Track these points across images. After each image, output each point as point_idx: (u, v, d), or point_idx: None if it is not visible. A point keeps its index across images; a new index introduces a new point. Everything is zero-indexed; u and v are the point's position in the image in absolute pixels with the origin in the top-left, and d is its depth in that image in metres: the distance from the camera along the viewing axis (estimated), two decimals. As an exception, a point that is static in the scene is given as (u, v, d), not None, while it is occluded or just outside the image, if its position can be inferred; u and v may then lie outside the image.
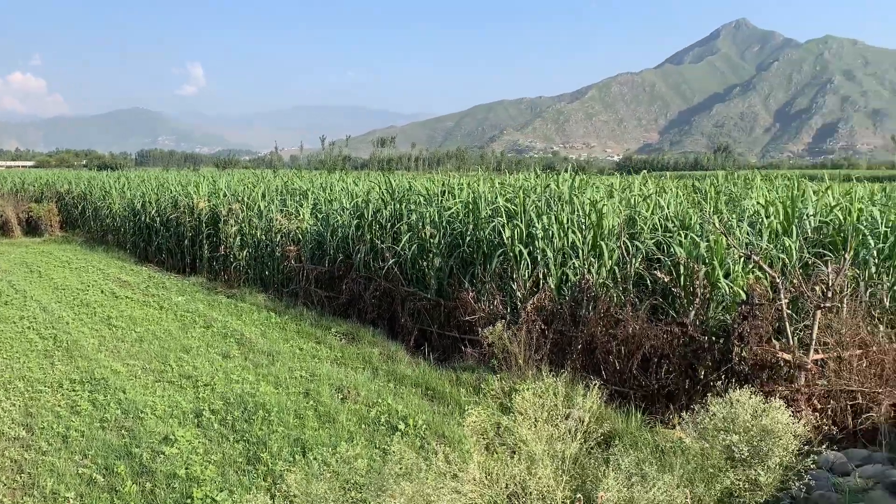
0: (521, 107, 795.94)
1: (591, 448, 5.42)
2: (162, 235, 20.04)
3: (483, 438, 5.62)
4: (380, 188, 14.07)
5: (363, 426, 7.17)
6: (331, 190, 17.37)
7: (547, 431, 4.14)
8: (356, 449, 6.02)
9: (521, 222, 10.22)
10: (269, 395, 7.96)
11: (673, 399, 8.07)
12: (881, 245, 8.91)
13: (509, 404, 5.30)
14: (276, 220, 15.18)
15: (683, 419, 5.22)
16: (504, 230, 10.14)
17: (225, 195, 18.42)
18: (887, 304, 8.54)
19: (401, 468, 3.57)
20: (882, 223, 9.18)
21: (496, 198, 11.23)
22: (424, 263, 11.36)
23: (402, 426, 7.03)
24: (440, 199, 12.46)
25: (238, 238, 16.30)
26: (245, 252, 16.10)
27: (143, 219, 21.28)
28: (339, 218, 13.69)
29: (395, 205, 12.83)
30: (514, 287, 9.80)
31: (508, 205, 10.90)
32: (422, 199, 12.64)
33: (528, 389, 4.50)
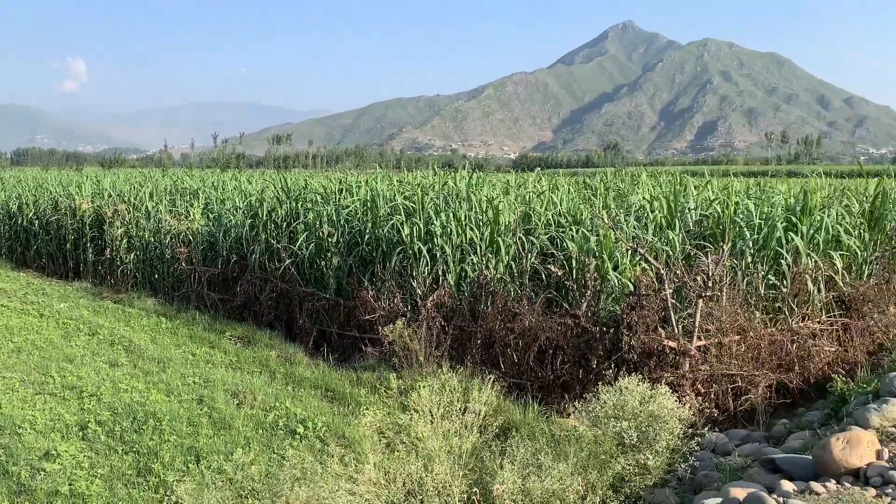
0: (419, 105, 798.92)
1: (490, 441, 5.51)
2: (42, 239, 18.82)
3: (384, 438, 5.60)
4: (275, 187, 13.76)
5: (260, 431, 6.99)
6: (223, 189, 16.83)
7: (444, 427, 4.17)
8: (250, 455, 5.86)
9: (420, 220, 10.25)
10: (161, 404, 7.63)
11: (568, 389, 8.32)
12: (756, 236, 9.50)
13: (407, 402, 5.31)
14: (166, 220, 14.57)
15: (577, 408, 5.39)
16: (403, 228, 10.14)
17: (110, 196, 17.50)
18: (762, 291, 9.10)
19: (296, 472, 3.50)
20: (756, 216, 9.78)
21: (395, 196, 11.21)
22: (322, 263, 11.20)
23: (300, 429, 6.90)
24: (338, 197, 12.32)
25: (125, 240, 15.54)
26: (133, 255, 15.36)
27: (19, 222, 19.92)
28: (232, 218, 13.29)
29: (290, 203, 12.58)
30: (414, 284, 9.81)
31: (407, 202, 10.90)
32: (319, 197, 12.45)
33: (424, 386, 4.52)
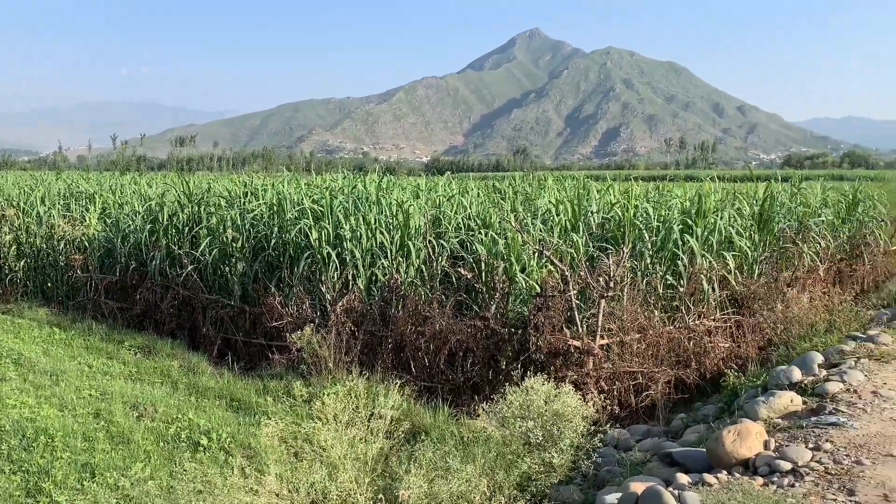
0: (329, 107, 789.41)
1: (399, 446, 5.49)
2: (-84, 246, 17.45)
3: (290, 447, 5.49)
4: (176, 190, 13.27)
5: (162, 444, 6.71)
6: (122, 192, 16.11)
7: (349, 434, 4.12)
8: (146, 470, 5.62)
9: (329, 224, 10.12)
10: (53, 419, 7.20)
11: (478, 390, 8.39)
12: (654, 238, 9.89)
13: (312, 410, 5.21)
14: (59, 226, 13.81)
15: (485, 409, 5.44)
16: (311, 232, 9.98)
17: (-4, 200, 16.44)
18: (661, 290, 9.47)
19: (197, 486, 3.37)
20: (654, 218, 10.18)
21: (302, 199, 11.02)
22: (227, 269, 10.88)
23: (204, 441, 6.67)
24: (243, 200, 12.00)
25: (14, 247, 14.62)
26: (23, 262, 14.48)
27: None
28: (130, 223, 12.73)
29: (193, 207, 12.16)
30: (323, 290, 9.67)
31: (315, 206, 10.74)
32: (223, 201, 12.09)
33: (329, 394, 4.45)
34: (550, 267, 8.83)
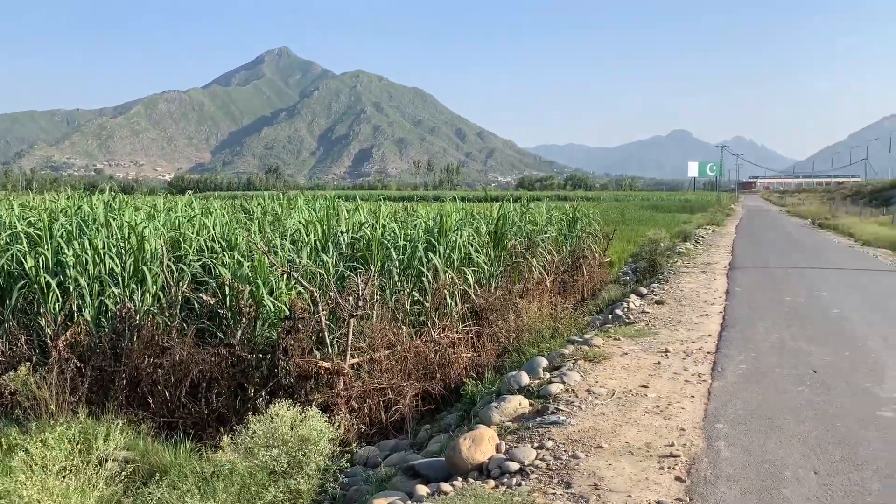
0: (55, 119, 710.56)
1: (135, 489, 5.05)
2: None
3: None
4: None
5: None
6: None
7: (63, 485, 3.68)
8: None
9: (48, 249, 9.05)
10: None
11: (225, 421, 8.00)
12: (402, 256, 10.22)
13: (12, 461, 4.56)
14: None
15: (228, 442, 5.20)
16: (26, 259, 8.85)
17: None
18: (408, 307, 9.81)
19: None
20: (401, 237, 10.54)
21: (13, 222, 9.75)
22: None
23: None
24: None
25: None
26: None
27: None
28: None
29: None
30: (43, 323, 8.60)
31: (32, 230, 9.55)
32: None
33: (33, 443, 3.93)
34: (300, 288, 8.73)
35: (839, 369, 6.98)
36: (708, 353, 7.77)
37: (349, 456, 5.50)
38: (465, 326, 10.23)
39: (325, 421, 5.61)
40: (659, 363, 7.26)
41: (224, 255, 9.44)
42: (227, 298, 8.66)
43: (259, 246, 8.93)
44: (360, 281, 8.29)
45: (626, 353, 7.68)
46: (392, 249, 10.14)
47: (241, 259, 9.11)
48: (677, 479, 4.25)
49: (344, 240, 10.66)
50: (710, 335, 8.75)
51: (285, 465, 4.66)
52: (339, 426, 5.46)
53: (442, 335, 9.52)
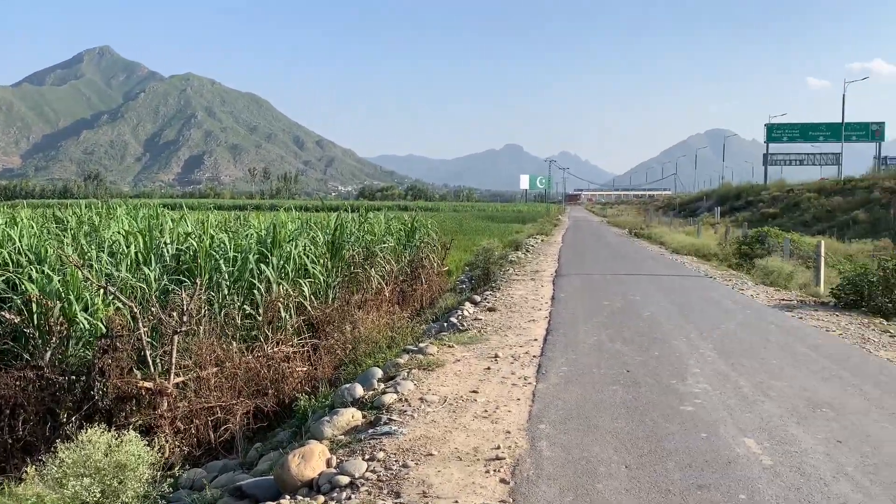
0: None
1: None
2: None
3: None
4: None
5: None
6: None
7: None
8: None
9: None
10: None
11: (32, 451, 7.32)
12: (231, 269, 9.86)
13: None
14: None
15: (31, 473, 4.75)
16: None
17: None
18: (239, 321, 9.47)
19: None
20: (231, 248, 10.16)
21: None
22: None
23: None
24: None
25: None
26: None
27: None
28: None
29: None
30: None
31: None
32: None
33: None
34: (119, 304, 8.17)
35: (649, 368, 7.58)
36: (534, 356, 8.15)
37: (172, 480, 5.21)
38: (301, 340, 10.05)
39: (147, 444, 5.29)
40: (489, 368, 7.52)
41: (32, 269, 8.64)
42: (35, 316, 7.93)
43: (72, 259, 8.27)
44: (184, 295, 7.91)
45: (459, 360, 7.89)
46: (221, 261, 9.76)
47: (52, 273, 8.38)
48: (502, 480, 4.42)
49: (168, 251, 10.11)
50: (536, 339, 9.19)
51: (98, 495, 4.33)
52: (161, 449, 5.16)
53: (275, 349, 9.28)
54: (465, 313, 11.56)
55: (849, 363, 8.01)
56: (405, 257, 17.79)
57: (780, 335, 9.69)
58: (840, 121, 66.99)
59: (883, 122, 69.38)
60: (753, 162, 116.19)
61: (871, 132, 69.95)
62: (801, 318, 11.37)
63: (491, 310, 11.80)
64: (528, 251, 26.05)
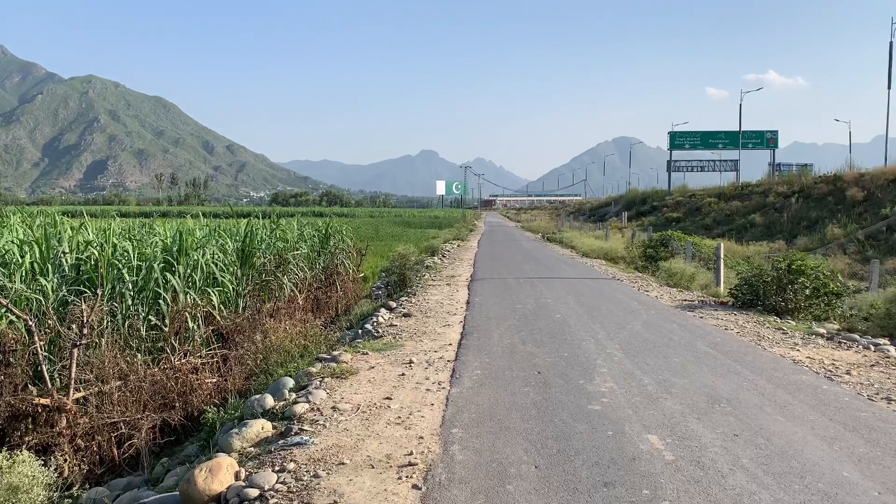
0: None
1: None
2: None
3: None
4: None
5: None
6: None
7: None
8: None
9: None
10: None
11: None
12: (136, 278, 9.49)
13: None
14: None
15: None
16: None
17: None
18: (144, 333, 9.12)
19: None
20: (135, 257, 9.78)
21: None
22: None
23: None
24: None
25: None
26: None
27: None
28: None
29: None
30: None
31: None
32: None
33: None
34: (12, 317, 7.73)
35: (558, 369, 7.77)
36: (448, 361, 8.22)
37: (70, 501, 4.97)
38: (210, 350, 9.77)
39: (42, 464, 5.04)
40: (403, 374, 7.53)
41: (-90, 283, 8.08)
42: (-85, 333, 7.41)
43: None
44: (84, 306, 7.56)
45: (373, 367, 7.86)
46: (125, 270, 9.38)
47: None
48: (414, 486, 4.44)
49: (67, 261, 9.64)
50: (451, 344, 9.26)
51: (-13, 521, 4.09)
52: (59, 469, 4.91)
53: (183, 361, 8.99)
54: (381, 320, 11.53)
55: (745, 360, 8.45)
56: (319, 264, 17.59)
57: (683, 334, 10.12)
58: (738, 129, 70.67)
59: (776, 131, 73.48)
60: (658, 168, 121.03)
61: (766, 140, 73.96)
62: (701, 317, 11.91)
63: (406, 315, 11.81)
64: (444, 256, 26.23)
